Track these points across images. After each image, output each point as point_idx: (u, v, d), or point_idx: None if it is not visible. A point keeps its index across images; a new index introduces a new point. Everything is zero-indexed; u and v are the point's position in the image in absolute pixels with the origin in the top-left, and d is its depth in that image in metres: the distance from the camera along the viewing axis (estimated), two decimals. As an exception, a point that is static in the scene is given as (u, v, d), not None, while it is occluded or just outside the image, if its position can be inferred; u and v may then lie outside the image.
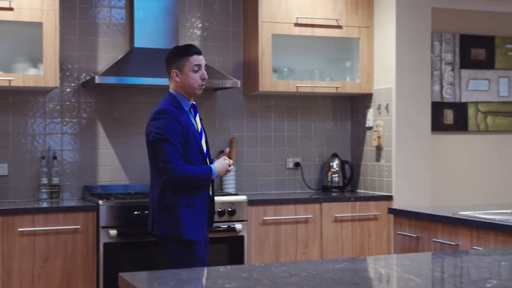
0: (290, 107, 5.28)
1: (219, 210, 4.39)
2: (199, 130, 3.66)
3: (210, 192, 3.71)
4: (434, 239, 3.62)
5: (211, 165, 3.61)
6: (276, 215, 4.62)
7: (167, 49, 4.72)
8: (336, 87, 5.02)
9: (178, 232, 3.55)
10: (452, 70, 5.94)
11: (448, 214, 3.59)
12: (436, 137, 5.74)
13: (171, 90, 3.69)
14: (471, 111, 5.99)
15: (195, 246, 3.58)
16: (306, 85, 4.95)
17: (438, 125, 5.83)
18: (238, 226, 4.40)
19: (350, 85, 5.06)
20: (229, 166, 3.67)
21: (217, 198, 4.41)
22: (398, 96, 4.90)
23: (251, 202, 4.54)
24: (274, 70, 4.95)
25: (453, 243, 3.48)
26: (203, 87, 3.68)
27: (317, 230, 4.71)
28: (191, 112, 3.67)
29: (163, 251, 3.68)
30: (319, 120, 5.34)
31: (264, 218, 4.58)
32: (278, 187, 5.23)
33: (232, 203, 4.43)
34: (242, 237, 4.42)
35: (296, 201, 4.68)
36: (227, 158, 3.71)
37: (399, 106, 4.90)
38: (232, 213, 4.42)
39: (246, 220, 4.46)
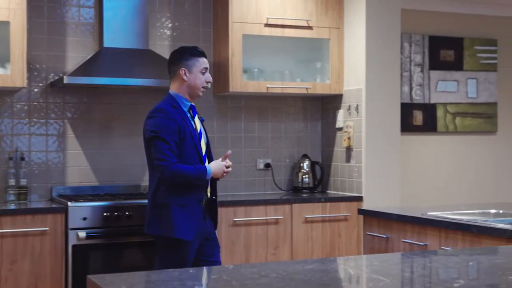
0: (261, 107, 5.28)
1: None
2: (198, 131, 3.67)
3: (209, 193, 3.69)
4: (403, 240, 3.65)
5: (206, 165, 3.60)
6: (246, 216, 4.62)
7: (136, 49, 4.73)
8: (307, 88, 5.04)
9: (169, 231, 3.54)
10: (421, 71, 6.00)
11: (417, 214, 3.63)
12: (405, 138, 5.80)
13: (170, 91, 3.73)
14: (440, 112, 6.06)
15: (186, 247, 3.56)
16: (276, 86, 4.96)
17: (407, 126, 5.89)
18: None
19: (321, 86, 5.09)
20: (227, 167, 3.65)
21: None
22: (368, 97, 4.94)
23: (221, 203, 4.52)
24: (245, 71, 4.95)
25: (422, 244, 3.52)
26: (205, 90, 3.75)
27: (287, 231, 4.72)
28: (189, 113, 3.70)
29: (156, 250, 3.69)
30: (289, 121, 5.36)
31: (235, 219, 4.58)
32: (249, 188, 5.23)
33: (202, 204, 4.42)
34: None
35: (266, 202, 4.68)
36: (227, 160, 3.69)
37: (369, 107, 4.94)
38: (202, 214, 4.40)
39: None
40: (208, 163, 3.69)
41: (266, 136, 5.29)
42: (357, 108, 5.00)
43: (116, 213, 4.22)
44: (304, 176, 5.20)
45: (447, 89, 6.10)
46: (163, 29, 5.00)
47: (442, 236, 3.42)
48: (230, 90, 4.82)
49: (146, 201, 4.35)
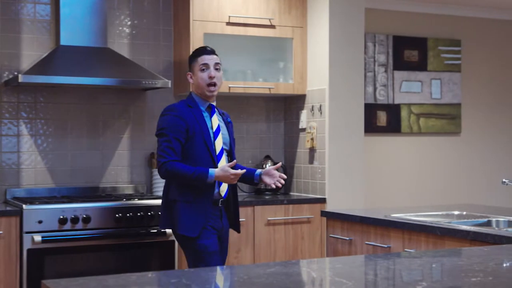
0: (223, 108, 5.25)
1: (149, 214, 4.36)
2: (215, 130, 3.69)
3: (223, 193, 3.69)
4: (366, 242, 3.68)
5: (209, 169, 3.60)
6: (208, 219, 4.60)
7: (94, 47, 4.68)
8: (269, 88, 5.05)
9: (174, 226, 3.66)
10: (385, 71, 6.06)
11: (380, 216, 3.66)
12: (369, 139, 5.84)
13: (191, 91, 3.81)
14: (404, 113, 6.12)
15: (196, 242, 3.61)
16: (238, 86, 4.96)
17: (371, 127, 5.94)
18: (168, 230, 4.36)
19: (283, 86, 5.10)
20: (233, 175, 3.58)
21: (145, 202, 4.40)
22: (331, 97, 4.97)
23: (182, 206, 4.52)
24: (206, 70, 4.93)
25: (385, 246, 3.55)
26: (214, 87, 3.71)
27: (249, 234, 4.72)
28: (207, 112, 3.73)
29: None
30: (252, 122, 5.36)
31: (196, 222, 4.56)
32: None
33: (162, 206, 4.40)
34: (173, 241, 4.40)
35: (228, 204, 4.67)
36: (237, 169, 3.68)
37: (332, 108, 4.97)
38: (162, 217, 4.39)
39: (177, 224, 4.44)
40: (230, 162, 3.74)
41: (228, 137, 5.27)
42: (320, 109, 5.02)
43: (73, 216, 4.17)
44: (267, 178, 5.19)
45: (411, 90, 6.17)
46: (122, 27, 4.96)
47: (405, 238, 3.45)
48: (191, 90, 4.79)
49: (104, 203, 4.33)
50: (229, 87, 4.91)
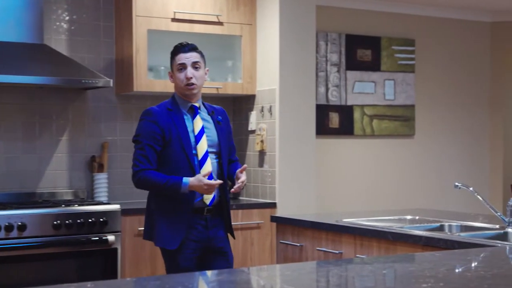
0: (168, 108, 5.25)
1: (89, 221, 4.32)
2: (197, 132, 3.64)
3: (207, 200, 3.62)
4: (317, 248, 3.71)
5: (184, 178, 3.55)
6: (152, 225, 4.59)
7: (29, 44, 4.61)
8: (217, 88, 5.05)
9: (153, 238, 3.66)
10: (338, 71, 6.12)
11: (332, 221, 3.69)
12: (321, 141, 5.90)
13: (175, 92, 3.76)
14: (357, 115, 6.20)
15: (174, 256, 3.59)
16: (185, 85, 4.94)
17: (323, 129, 5.99)
18: (110, 238, 4.35)
19: (232, 86, 5.11)
20: (206, 186, 3.51)
21: (86, 208, 4.36)
22: (281, 98, 5.00)
23: (125, 212, 4.50)
24: (150, 69, 4.92)
25: (337, 252, 3.59)
26: (192, 87, 3.66)
27: (196, 240, 4.71)
28: (189, 114, 3.68)
29: None
30: (199, 123, 5.35)
31: (140, 228, 4.53)
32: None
33: (103, 212, 4.38)
34: (116, 249, 4.37)
35: (174, 210, 4.66)
36: (206, 178, 3.53)
37: (283, 109, 5.00)
38: (104, 223, 4.36)
39: (120, 231, 4.42)
40: (228, 165, 3.72)
41: (174, 139, 5.26)
42: (270, 110, 5.05)
43: (7, 224, 4.11)
44: (214, 182, 5.19)
45: (364, 91, 6.24)
46: (59, 22, 4.90)
47: (357, 243, 3.50)
48: (134, 89, 4.78)
49: (40, 210, 4.28)
50: (175, 86, 4.90)
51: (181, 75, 3.67)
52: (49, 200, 4.69)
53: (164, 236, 3.61)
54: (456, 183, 3.59)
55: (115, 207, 4.46)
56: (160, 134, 3.60)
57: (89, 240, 4.30)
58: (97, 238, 4.33)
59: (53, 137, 4.89)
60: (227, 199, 3.73)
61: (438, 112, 6.62)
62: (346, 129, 6.15)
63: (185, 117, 3.67)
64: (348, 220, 3.70)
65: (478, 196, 3.53)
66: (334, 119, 6.10)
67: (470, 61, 6.77)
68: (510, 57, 7.10)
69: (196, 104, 3.71)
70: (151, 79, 4.89)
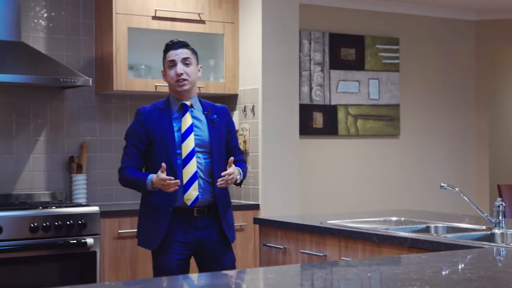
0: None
1: (67, 223, 4.29)
2: (183, 131, 3.67)
3: (188, 201, 3.62)
4: (301, 250, 3.70)
5: (148, 175, 3.62)
6: (133, 228, 4.54)
7: (6, 41, 4.56)
8: (199, 87, 5.03)
9: (137, 238, 3.77)
10: (322, 70, 6.12)
11: (316, 223, 3.68)
12: (304, 141, 5.89)
13: (169, 92, 3.83)
14: (341, 115, 6.20)
15: (157, 257, 3.67)
16: (165, 85, 4.91)
17: (307, 129, 5.99)
18: (89, 240, 4.32)
19: (214, 85, 5.10)
20: (162, 181, 3.51)
21: (64, 210, 4.33)
22: (264, 97, 4.99)
23: (104, 214, 4.47)
24: (130, 67, 4.89)
25: (321, 254, 3.58)
26: (184, 83, 3.70)
27: (178, 243, 4.70)
28: (180, 112, 3.72)
29: None
30: (180, 123, 5.32)
31: (120, 231, 4.52)
32: (135, 196, 5.14)
33: (82, 215, 4.35)
34: (94, 253, 4.35)
35: (154, 212, 4.64)
36: (164, 175, 3.52)
37: (266, 109, 4.99)
38: (82, 226, 4.34)
39: (99, 234, 4.40)
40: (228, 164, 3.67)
41: (155, 139, 5.24)
42: (253, 110, 5.04)
43: (-18, 227, 4.06)
44: (196, 183, 5.18)
45: (348, 90, 6.25)
46: (37, 19, 4.86)
47: (342, 246, 3.49)
48: (114, 88, 4.76)
49: (17, 212, 4.24)
50: (156, 85, 4.88)
51: (172, 72, 3.72)
52: (26, 202, 4.65)
53: (145, 237, 3.71)
54: (442, 184, 3.60)
55: (94, 209, 4.43)
56: (144, 133, 3.68)
57: (67, 243, 4.28)
58: (76, 241, 4.30)
59: (31, 137, 4.85)
60: (221, 200, 3.71)
61: (423, 111, 6.64)
62: (330, 129, 6.15)
63: (173, 116, 3.71)
64: (332, 222, 3.69)
65: (464, 197, 3.54)
66: (318, 119, 6.10)
67: (455, 60, 6.79)
68: (495, 56, 7.15)
69: (187, 102, 3.73)
70: (132, 78, 4.86)
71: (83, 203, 4.70)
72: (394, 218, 3.94)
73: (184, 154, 3.65)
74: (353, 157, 6.30)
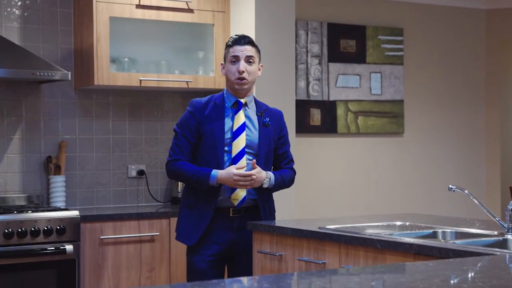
0: (133, 104, 5.23)
1: (45, 228, 4.28)
2: (235, 129, 3.88)
3: (235, 201, 3.87)
4: (298, 258, 3.70)
5: (213, 170, 3.82)
6: (115, 234, 4.57)
7: (-22, 32, 4.57)
8: (187, 82, 5.03)
9: (176, 232, 3.99)
10: (319, 63, 6.11)
11: (314, 228, 3.68)
12: (301, 140, 5.88)
13: (225, 88, 4.03)
14: (340, 111, 6.19)
15: (192, 253, 3.90)
16: (151, 79, 4.93)
17: (304, 127, 5.98)
18: (68, 247, 4.33)
19: (203, 79, 5.09)
20: (236, 177, 3.76)
21: (41, 215, 4.33)
22: (258, 92, 4.97)
23: (84, 218, 4.48)
24: (113, 60, 4.89)
25: (320, 262, 3.58)
26: (243, 81, 3.90)
27: (164, 250, 4.70)
28: (233, 109, 3.93)
29: None
30: (167, 120, 5.33)
31: (101, 237, 4.53)
32: (118, 199, 5.16)
33: (61, 219, 4.36)
34: (74, 260, 4.36)
35: (139, 216, 4.65)
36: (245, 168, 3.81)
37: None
38: (61, 231, 4.34)
39: (79, 240, 4.40)
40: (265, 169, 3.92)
41: (139, 138, 5.24)
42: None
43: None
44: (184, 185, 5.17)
45: (348, 85, 6.24)
46: (10, 8, 4.85)
47: (342, 252, 3.48)
48: (95, 83, 4.75)
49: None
50: (140, 80, 4.88)
51: (233, 68, 3.91)
52: (0, 206, 4.63)
53: (184, 232, 3.94)
54: (451, 186, 3.59)
55: (74, 213, 4.43)
56: (196, 125, 3.90)
57: (44, 250, 4.28)
58: (54, 248, 4.30)
59: (4, 135, 4.84)
60: (263, 203, 3.96)
61: (429, 108, 6.64)
62: (328, 126, 6.14)
63: (226, 112, 3.93)
64: (332, 227, 3.69)
65: (474, 200, 3.53)
66: (316, 116, 6.09)
67: (464, 52, 6.79)
68: (507, 47, 7.14)
69: (242, 100, 3.95)
70: (114, 71, 4.86)
71: (62, 207, 4.70)
72: (398, 223, 3.93)
73: (234, 153, 3.87)
74: (354, 157, 6.29)
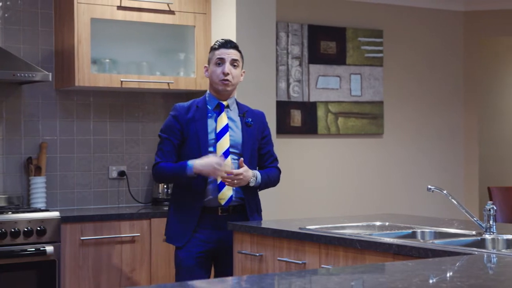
0: (113, 105, 5.20)
1: (25, 229, 4.25)
2: (219, 131, 3.96)
3: (222, 200, 3.93)
4: (279, 258, 3.69)
5: (187, 161, 3.88)
6: (96, 235, 4.56)
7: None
8: (168, 83, 5.02)
9: (166, 235, 4.05)
10: (300, 65, 6.12)
11: (294, 229, 3.68)
12: (282, 141, 5.88)
13: (207, 91, 4.11)
14: (320, 112, 6.20)
15: (180, 252, 3.95)
16: (132, 80, 4.91)
17: (284, 127, 5.98)
18: (49, 248, 4.31)
19: (185, 81, 5.08)
20: (216, 164, 3.80)
21: (21, 216, 4.31)
22: (239, 93, 4.96)
23: (65, 219, 4.45)
24: (94, 62, 4.87)
25: (300, 262, 3.58)
26: (227, 83, 3.97)
27: (145, 251, 4.69)
28: (215, 111, 4.01)
29: None
30: (148, 121, 5.31)
31: (82, 238, 4.51)
32: (99, 200, 5.14)
33: (41, 220, 4.33)
34: (54, 261, 4.34)
35: (120, 217, 4.64)
36: (223, 159, 3.86)
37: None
38: (41, 233, 4.32)
39: (59, 242, 4.38)
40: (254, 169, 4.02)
41: (120, 139, 5.22)
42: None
43: None
44: (165, 186, 5.16)
45: (329, 86, 6.25)
46: (-8, 9, 4.82)
47: (322, 252, 3.48)
48: (76, 84, 4.73)
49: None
50: (121, 81, 4.86)
51: (218, 70, 3.98)
52: (-20, 207, 4.61)
53: (173, 232, 3.99)
54: (429, 186, 3.60)
55: (54, 214, 4.41)
56: (179, 129, 3.96)
57: (24, 252, 4.25)
58: (34, 249, 4.28)
59: (-15, 137, 4.81)
60: (249, 202, 4.02)
61: (409, 109, 6.66)
62: (309, 127, 6.15)
63: (209, 114, 4.00)
64: (312, 227, 3.69)
65: (453, 200, 3.54)
66: (296, 117, 6.09)
67: (442, 54, 6.82)
68: (485, 48, 7.19)
69: (224, 103, 4.02)
70: (95, 73, 4.84)
71: (42, 208, 4.67)
72: (378, 223, 3.94)
73: (219, 153, 3.93)
74: (334, 158, 6.30)
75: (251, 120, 4.08)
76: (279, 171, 4.20)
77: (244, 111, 4.09)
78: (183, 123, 3.96)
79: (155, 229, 4.69)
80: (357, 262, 3.30)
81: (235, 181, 3.87)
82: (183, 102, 4.07)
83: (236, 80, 4.02)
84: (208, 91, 4.06)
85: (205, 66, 4.08)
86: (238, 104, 4.12)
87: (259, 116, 4.15)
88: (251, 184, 3.97)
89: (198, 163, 3.83)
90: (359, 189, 6.40)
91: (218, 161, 3.82)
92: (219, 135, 3.97)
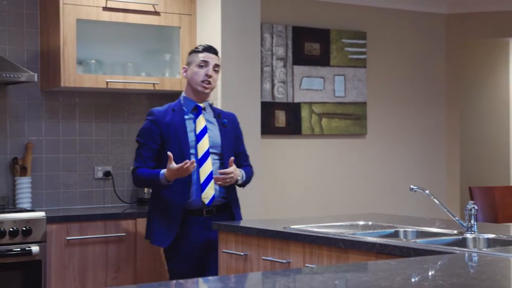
0: (99, 106, 5.19)
1: (11, 230, 4.24)
2: (198, 132, 4.06)
3: (206, 200, 4.03)
4: (263, 257, 3.70)
5: (159, 170, 3.97)
6: (81, 235, 4.55)
7: None
8: (154, 84, 5.01)
9: (149, 237, 4.15)
10: (284, 66, 6.13)
11: (279, 228, 3.69)
12: (266, 141, 5.89)
13: (182, 93, 4.21)
14: (304, 113, 6.21)
15: (170, 255, 4.09)
16: (117, 81, 4.90)
17: (269, 128, 5.99)
18: (34, 248, 4.30)
19: (170, 82, 5.08)
20: (178, 170, 3.86)
21: (6, 216, 4.30)
22: (224, 94, 4.98)
23: (51, 219, 4.44)
24: (79, 62, 4.85)
25: (285, 261, 3.59)
26: (208, 86, 4.11)
27: (130, 250, 4.68)
28: (193, 114, 4.11)
29: None
30: (133, 122, 5.30)
31: (67, 238, 4.50)
32: (85, 200, 5.13)
33: (27, 221, 4.32)
34: (40, 261, 4.33)
35: (105, 217, 4.63)
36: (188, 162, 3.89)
37: (225, 107, 4.97)
38: (27, 233, 4.30)
39: (45, 241, 4.37)
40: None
41: (106, 139, 5.21)
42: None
43: None
44: (150, 186, 5.16)
45: (313, 87, 6.26)
46: (-22, 10, 4.80)
47: (306, 252, 3.49)
48: (62, 84, 4.72)
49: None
50: (107, 82, 4.85)
51: (201, 71, 4.11)
52: (-34, 208, 4.59)
53: (157, 235, 4.08)
54: (412, 186, 3.62)
55: (40, 214, 4.40)
56: (158, 132, 4.04)
57: (10, 251, 4.24)
58: (20, 249, 4.27)
59: (-30, 137, 4.79)
60: (232, 200, 4.15)
61: (392, 110, 6.69)
62: (293, 128, 6.16)
63: (186, 116, 4.10)
64: (296, 227, 3.70)
65: (435, 200, 3.57)
66: (281, 118, 6.10)
67: (425, 55, 6.86)
68: (467, 51, 7.23)
69: (201, 105, 4.14)
70: (80, 73, 4.83)
71: (28, 208, 4.66)
72: (361, 223, 3.96)
73: (200, 154, 4.04)
74: (318, 158, 6.32)
75: (227, 121, 4.21)
76: (252, 168, 4.36)
77: (218, 113, 4.25)
78: (162, 127, 4.05)
79: (140, 229, 4.69)
80: (340, 261, 3.32)
81: (228, 179, 4.00)
82: (170, 103, 4.14)
83: (214, 84, 4.18)
84: (183, 94, 4.17)
85: (183, 67, 4.19)
86: (211, 107, 4.26)
87: (232, 117, 4.30)
88: (239, 182, 4.11)
89: (168, 175, 3.93)
90: (343, 189, 6.42)
91: (181, 164, 3.88)
92: (199, 137, 4.08)
